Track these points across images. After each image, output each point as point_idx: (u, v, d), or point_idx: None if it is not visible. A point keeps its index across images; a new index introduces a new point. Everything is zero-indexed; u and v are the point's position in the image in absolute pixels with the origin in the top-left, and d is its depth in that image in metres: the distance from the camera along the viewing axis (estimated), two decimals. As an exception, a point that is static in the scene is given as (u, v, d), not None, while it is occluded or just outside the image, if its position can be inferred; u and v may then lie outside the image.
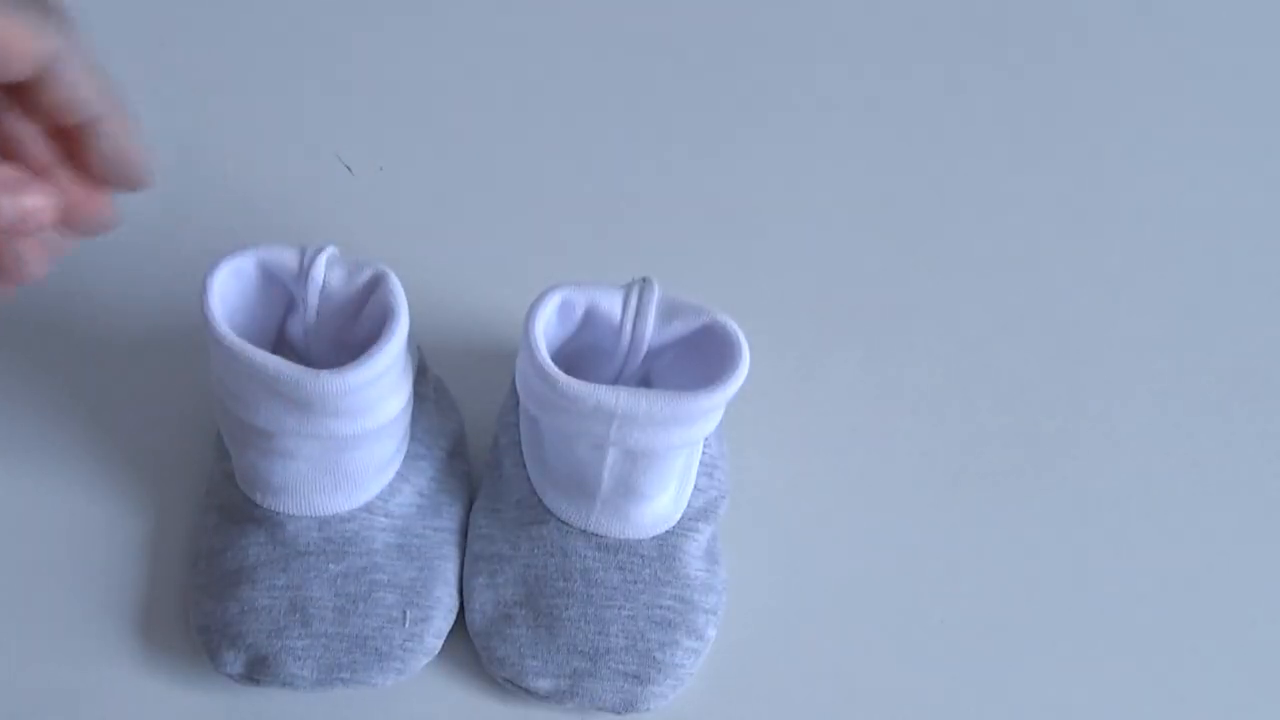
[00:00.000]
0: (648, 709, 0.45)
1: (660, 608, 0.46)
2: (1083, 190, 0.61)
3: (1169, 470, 0.53)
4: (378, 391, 0.42)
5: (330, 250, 0.43)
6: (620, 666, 0.45)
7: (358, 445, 0.44)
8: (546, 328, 0.43)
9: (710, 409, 0.42)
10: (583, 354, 0.46)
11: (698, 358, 0.44)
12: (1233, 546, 0.51)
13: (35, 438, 0.51)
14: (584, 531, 0.46)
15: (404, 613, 0.45)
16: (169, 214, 0.56)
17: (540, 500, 0.47)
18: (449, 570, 0.47)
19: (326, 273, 0.43)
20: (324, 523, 0.45)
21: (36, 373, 0.52)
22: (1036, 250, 0.59)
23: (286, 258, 0.43)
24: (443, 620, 0.46)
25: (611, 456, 0.44)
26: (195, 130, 0.60)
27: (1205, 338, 0.57)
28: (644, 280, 0.45)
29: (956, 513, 0.52)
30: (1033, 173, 0.61)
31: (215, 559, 0.46)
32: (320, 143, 0.60)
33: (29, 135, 0.35)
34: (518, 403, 0.49)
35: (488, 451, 0.50)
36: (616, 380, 0.45)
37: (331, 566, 0.45)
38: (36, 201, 0.33)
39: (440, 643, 0.46)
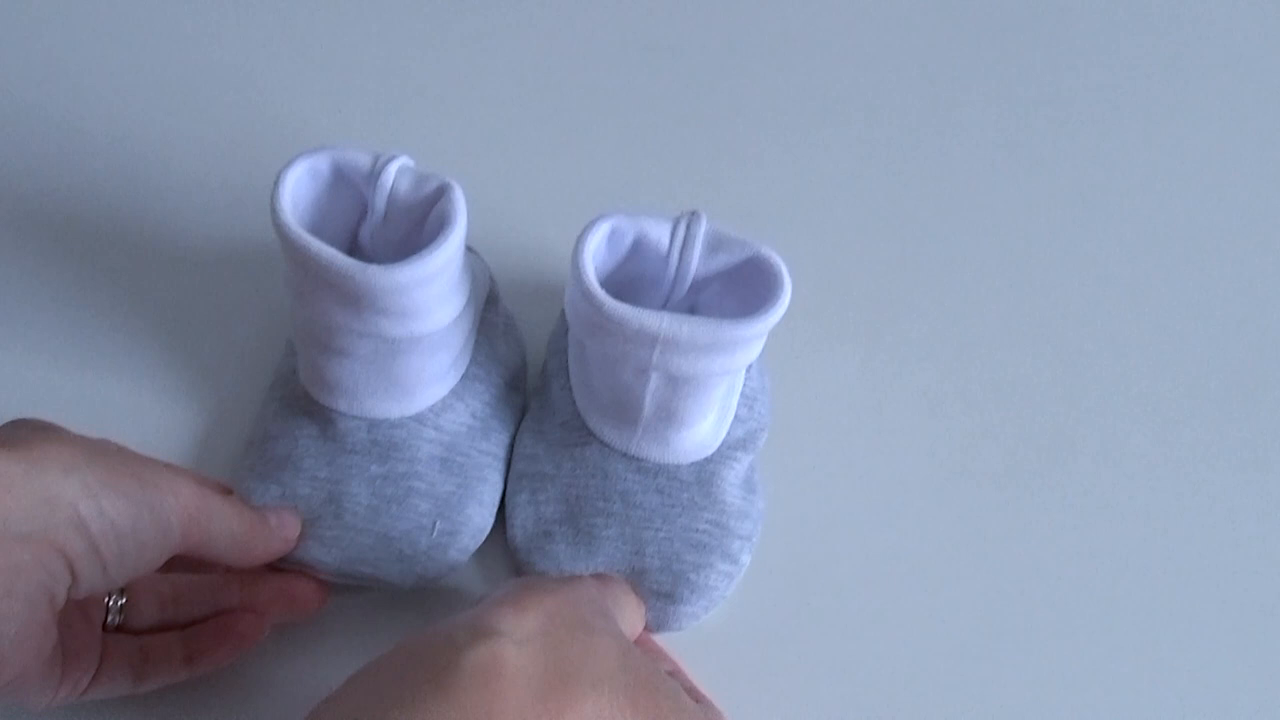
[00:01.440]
0: (679, 628, 0.47)
1: (696, 531, 0.47)
2: (1086, 190, 0.61)
3: (1169, 467, 0.53)
4: (427, 295, 0.43)
5: (403, 159, 0.45)
6: (655, 586, 0.47)
7: (410, 351, 0.45)
8: (595, 254, 0.45)
9: (751, 338, 0.44)
10: (631, 283, 0.48)
11: (742, 290, 0.45)
12: (1235, 546, 0.51)
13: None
14: (625, 454, 0.48)
15: (433, 523, 0.47)
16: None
17: (584, 423, 0.48)
18: (486, 492, 0.49)
19: (396, 178, 0.44)
20: (373, 425, 0.47)
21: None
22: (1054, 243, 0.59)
23: (360, 160, 0.45)
24: (470, 539, 0.48)
25: (654, 382, 0.45)
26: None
27: (1207, 338, 0.56)
28: (693, 213, 0.46)
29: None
30: (1035, 173, 0.61)
31: (267, 444, 0.48)
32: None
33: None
34: (567, 329, 0.50)
35: (537, 377, 0.52)
36: (663, 310, 0.47)
37: (374, 468, 0.47)
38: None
39: (464, 559, 0.47)
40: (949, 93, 0.64)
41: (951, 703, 0.47)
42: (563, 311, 0.51)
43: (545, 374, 0.51)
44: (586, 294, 0.43)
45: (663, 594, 0.46)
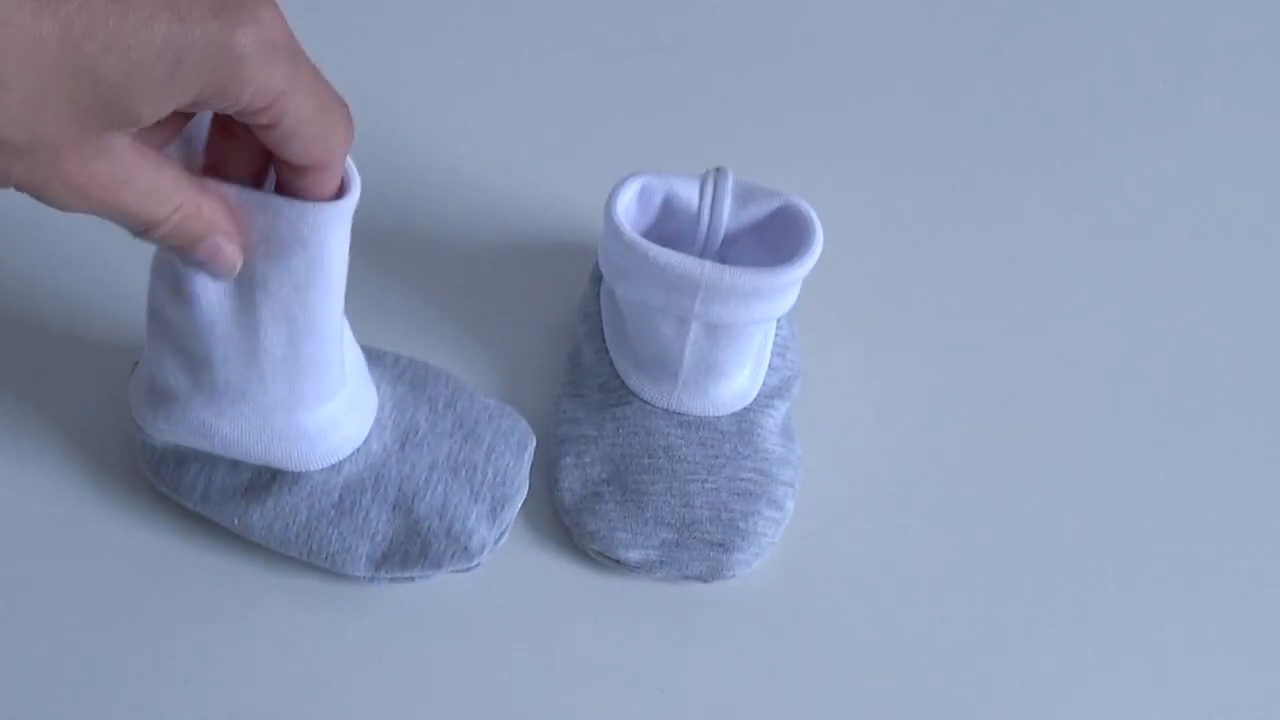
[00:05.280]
0: (732, 575, 0.48)
1: (741, 480, 0.48)
2: (1089, 190, 0.61)
3: (1170, 467, 0.53)
4: None
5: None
6: (706, 536, 0.47)
7: None
8: (627, 214, 0.45)
9: (788, 284, 0.45)
10: (663, 243, 0.48)
11: (773, 240, 0.46)
12: (1236, 546, 0.51)
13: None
14: (666, 410, 0.49)
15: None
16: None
17: (623, 383, 0.49)
18: None
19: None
20: (379, 421, 0.47)
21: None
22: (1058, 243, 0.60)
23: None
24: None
25: (694, 333, 0.46)
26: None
27: (1208, 338, 0.57)
28: (719, 169, 0.47)
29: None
30: (1037, 173, 0.62)
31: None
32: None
33: (243, 169, 0.37)
34: (598, 293, 0.51)
35: (568, 342, 0.53)
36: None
37: (420, 431, 0.47)
38: (230, 251, 0.36)
39: None
40: (952, 92, 0.65)
41: (953, 703, 0.48)
42: (591, 275, 0.52)
43: (578, 338, 0.52)
44: (627, 245, 0.44)
45: (715, 543, 0.47)
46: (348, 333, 0.44)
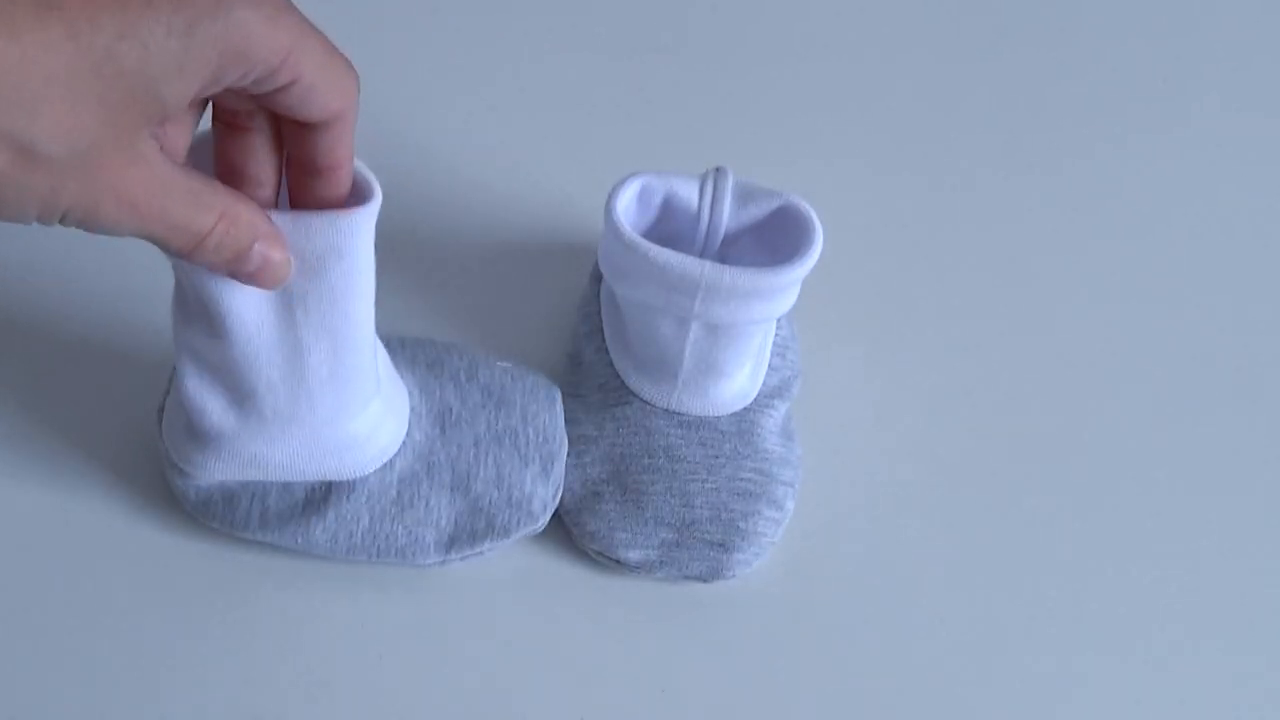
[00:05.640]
0: (732, 575, 0.48)
1: (741, 480, 0.48)
2: (1089, 190, 0.61)
3: (1170, 467, 0.53)
4: None
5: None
6: (706, 536, 0.47)
7: None
8: (627, 214, 0.45)
9: (788, 284, 0.44)
10: (663, 243, 0.48)
11: (773, 240, 0.46)
12: (1237, 546, 0.51)
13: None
14: (666, 410, 0.49)
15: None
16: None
17: (623, 383, 0.49)
18: None
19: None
20: (414, 411, 0.47)
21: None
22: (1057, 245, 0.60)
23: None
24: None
25: (694, 333, 0.46)
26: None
27: (1208, 337, 0.57)
28: (718, 169, 0.47)
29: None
30: (1037, 173, 0.62)
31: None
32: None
33: (263, 166, 0.36)
34: (598, 292, 0.51)
35: (568, 342, 0.53)
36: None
37: (453, 415, 0.48)
38: (280, 257, 0.35)
39: None
40: (951, 92, 0.65)
41: (953, 703, 0.48)
42: (591, 275, 0.52)
43: (577, 338, 0.52)
44: (627, 245, 0.44)
45: (715, 543, 0.47)
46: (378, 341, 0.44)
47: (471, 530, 0.46)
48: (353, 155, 0.36)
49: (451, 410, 0.48)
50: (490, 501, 0.46)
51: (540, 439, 0.47)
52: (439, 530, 0.46)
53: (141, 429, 0.50)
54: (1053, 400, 0.54)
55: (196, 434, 0.43)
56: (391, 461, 0.46)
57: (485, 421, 0.47)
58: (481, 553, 0.47)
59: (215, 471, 0.44)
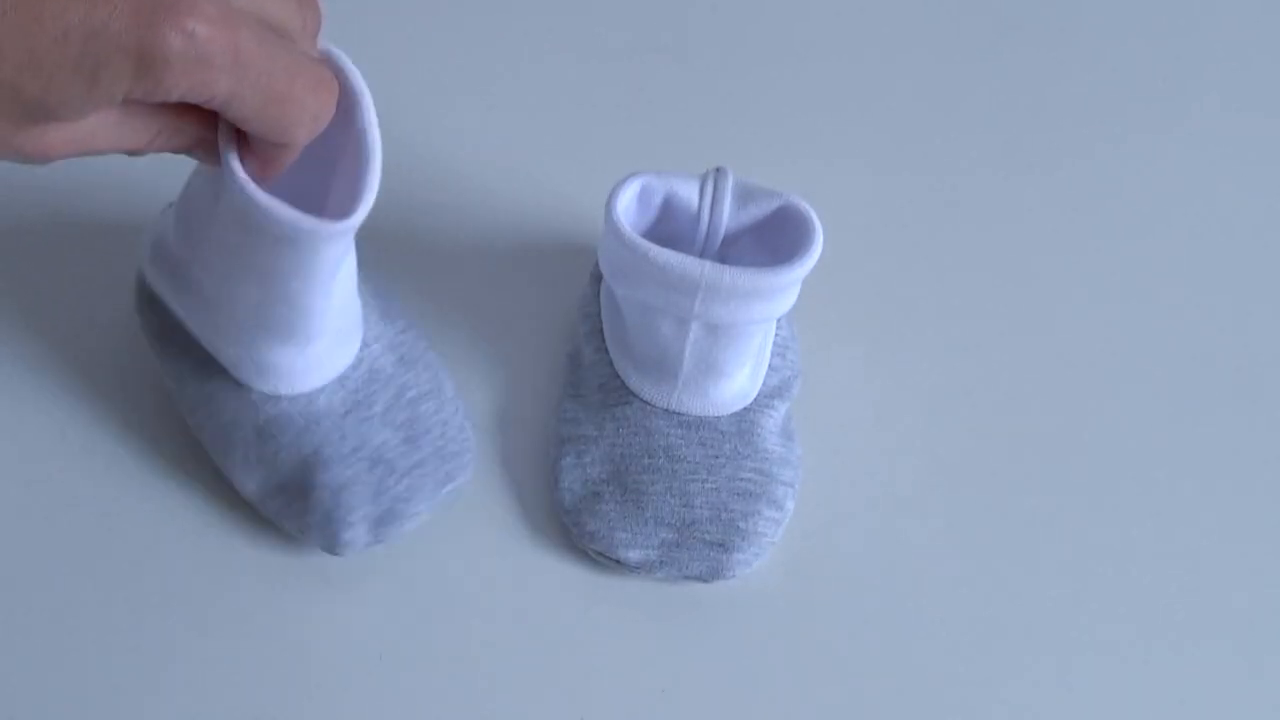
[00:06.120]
0: (732, 575, 0.47)
1: (741, 480, 0.48)
2: (1089, 190, 0.61)
3: (1170, 467, 0.53)
4: None
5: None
6: (706, 536, 0.47)
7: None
8: (627, 214, 0.45)
9: (788, 284, 0.45)
10: (663, 243, 0.48)
11: (773, 240, 0.46)
12: (1237, 546, 0.51)
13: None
14: (666, 410, 0.49)
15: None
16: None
17: (623, 383, 0.49)
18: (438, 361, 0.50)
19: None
20: (341, 379, 0.47)
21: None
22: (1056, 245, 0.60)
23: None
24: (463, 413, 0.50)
25: (694, 333, 0.46)
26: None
27: (1208, 337, 0.57)
28: (718, 169, 0.47)
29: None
30: (1038, 173, 0.62)
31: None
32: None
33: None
34: (598, 293, 0.51)
35: (568, 342, 0.53)
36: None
37: (373, 410, 0.47)
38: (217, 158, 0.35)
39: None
40: (951, 92, 0.65)
41: (954, 702, 0.48)
42: (591, 274, 0.52)
43: (577, 338, 0.52)
44: (627, 245, 0.44)
45: (715, 543, 0.47)
46: (354, 289, 0.44)
47: (288, 503, 0.46)
48: (289, 162, 0.36)
49: (371, 407, 0.47)
50: (316, 499, 0.46)
51: (403, 496, 0.46)
52: (270, 477, 0.46)
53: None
54: (1053, 400, 0.54)
55: (159, 244, 0.46)
56: (279, 398, 0.46)
57: (381, 440, 0.47)
58: (283, 529, 0.47)
59: (153, 276, 0.46)
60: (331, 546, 0.46)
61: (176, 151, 0.35)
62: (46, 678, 0.45)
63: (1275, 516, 0.52)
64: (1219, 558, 0.51)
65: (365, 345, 0.47)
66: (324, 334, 0.44)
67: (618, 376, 0.49)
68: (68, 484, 0.49)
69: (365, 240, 0.41)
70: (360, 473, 0.46)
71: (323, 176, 0.38)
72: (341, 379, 0.47)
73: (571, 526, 0.48)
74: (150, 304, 0.47)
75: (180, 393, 0.47)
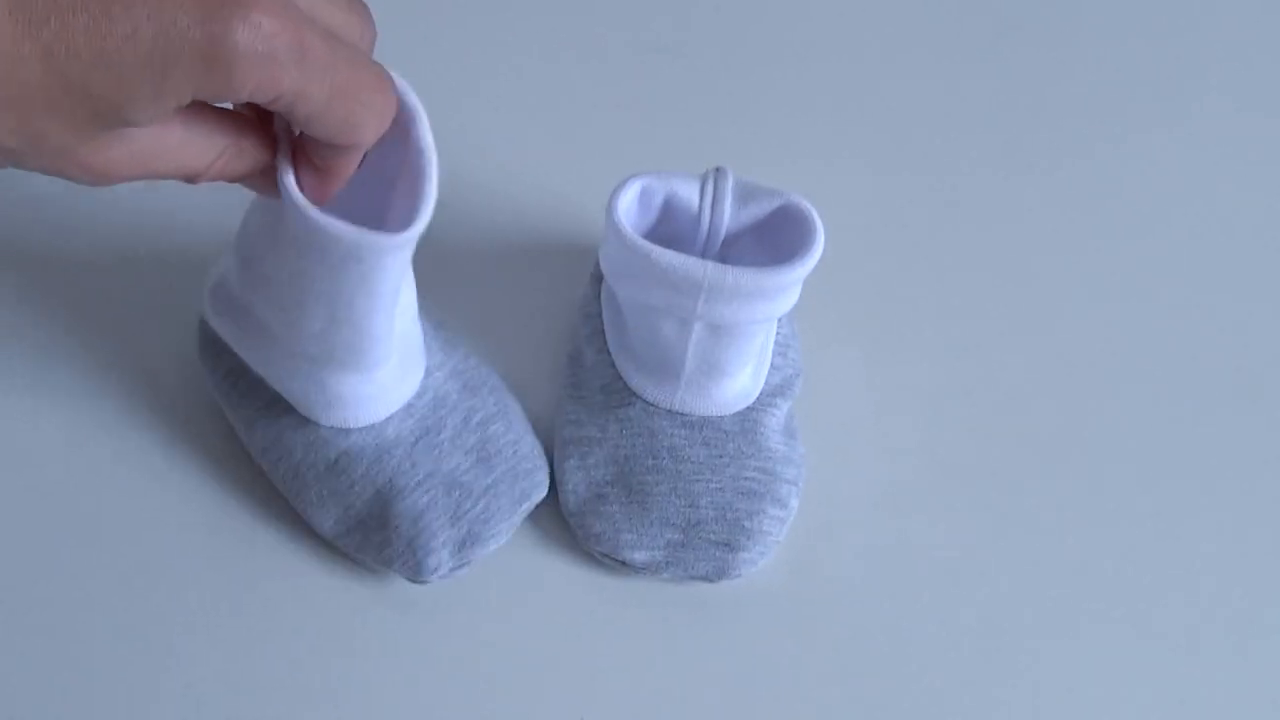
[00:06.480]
0: (738, 575, 0.48)
1: (745, 479, 0.48)
2: (1089, 190, 0.61)
3: (1170, 467, 0.53)
4: None
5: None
6: (711, 535, 0.47)
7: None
8: (628, 215, 0.45)
9: (791, 284, 0.45)
10: (664, 244, 0.48)
11: (774, 240, 0.46)
12: (1237, 546, 0.51)
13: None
14: (669, 411, 0.49)
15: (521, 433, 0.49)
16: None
17: (625, 384, 0.49)
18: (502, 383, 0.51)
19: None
20: (408, 408, 0.47)
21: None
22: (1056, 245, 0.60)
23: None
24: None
25: (696, 333, 0.46)
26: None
27: (1208, 337, 0.57)
28: (718, 169, 0.47)
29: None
30: (1037, 173, 0.62)
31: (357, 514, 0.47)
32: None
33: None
34: (599, 293, 0.51)
35: (569, 343, 0.53)
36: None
37: (442, 435, 0.47)
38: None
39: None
40: (952, 92, 0.65)
41: (958, 701, 0.48)
42: (592, 275, 0.52)
43: (578, 339, 0.52)
44: (629, 247, 0.44)
45: (720, 543, 0.47)
46: (415, 315, 0.45)
47: (366, 536, 0.46)
48: (350, 173, 0.35)
49: (440, 433, 0.47)
50: (396, 528, 0.46)
51: (482, 517, 0.46)
52: (346, 513, 0.46)
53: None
54: (1053, 400, 0.54)
55: (220, 283, 0.46)
56: (349, 431, 0.46)
57: (454, 464, 0.47)
58: (364, 564, 0.47)
59: (215, 316, 0.46)
60: (416, 574, 0.46)
61: (235, 179, 0.35)
62: (49, 682, 0.45)
63: (1275, 516, 0.52)
64: (1219, 558, 0.51)
65: (429, 373, 0.47)
66: (389, 359, 0.43)
67: (620, 377, 0.49)
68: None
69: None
70: (437, 498, 0.46)
71: (375, 200, 0.38)
72: (408, 408, 0.47)
73: (577, 528, 0.48)
74: (214, 350, 0.47)
75: (249, 436, 0.47)
